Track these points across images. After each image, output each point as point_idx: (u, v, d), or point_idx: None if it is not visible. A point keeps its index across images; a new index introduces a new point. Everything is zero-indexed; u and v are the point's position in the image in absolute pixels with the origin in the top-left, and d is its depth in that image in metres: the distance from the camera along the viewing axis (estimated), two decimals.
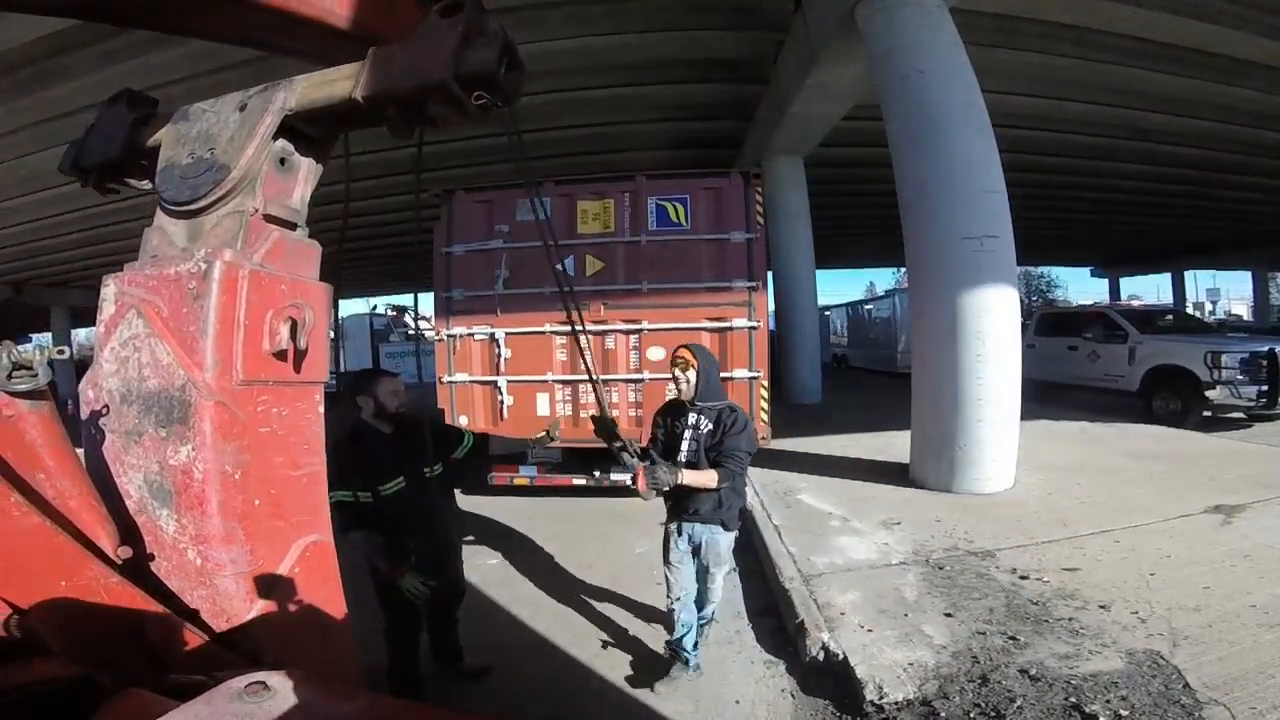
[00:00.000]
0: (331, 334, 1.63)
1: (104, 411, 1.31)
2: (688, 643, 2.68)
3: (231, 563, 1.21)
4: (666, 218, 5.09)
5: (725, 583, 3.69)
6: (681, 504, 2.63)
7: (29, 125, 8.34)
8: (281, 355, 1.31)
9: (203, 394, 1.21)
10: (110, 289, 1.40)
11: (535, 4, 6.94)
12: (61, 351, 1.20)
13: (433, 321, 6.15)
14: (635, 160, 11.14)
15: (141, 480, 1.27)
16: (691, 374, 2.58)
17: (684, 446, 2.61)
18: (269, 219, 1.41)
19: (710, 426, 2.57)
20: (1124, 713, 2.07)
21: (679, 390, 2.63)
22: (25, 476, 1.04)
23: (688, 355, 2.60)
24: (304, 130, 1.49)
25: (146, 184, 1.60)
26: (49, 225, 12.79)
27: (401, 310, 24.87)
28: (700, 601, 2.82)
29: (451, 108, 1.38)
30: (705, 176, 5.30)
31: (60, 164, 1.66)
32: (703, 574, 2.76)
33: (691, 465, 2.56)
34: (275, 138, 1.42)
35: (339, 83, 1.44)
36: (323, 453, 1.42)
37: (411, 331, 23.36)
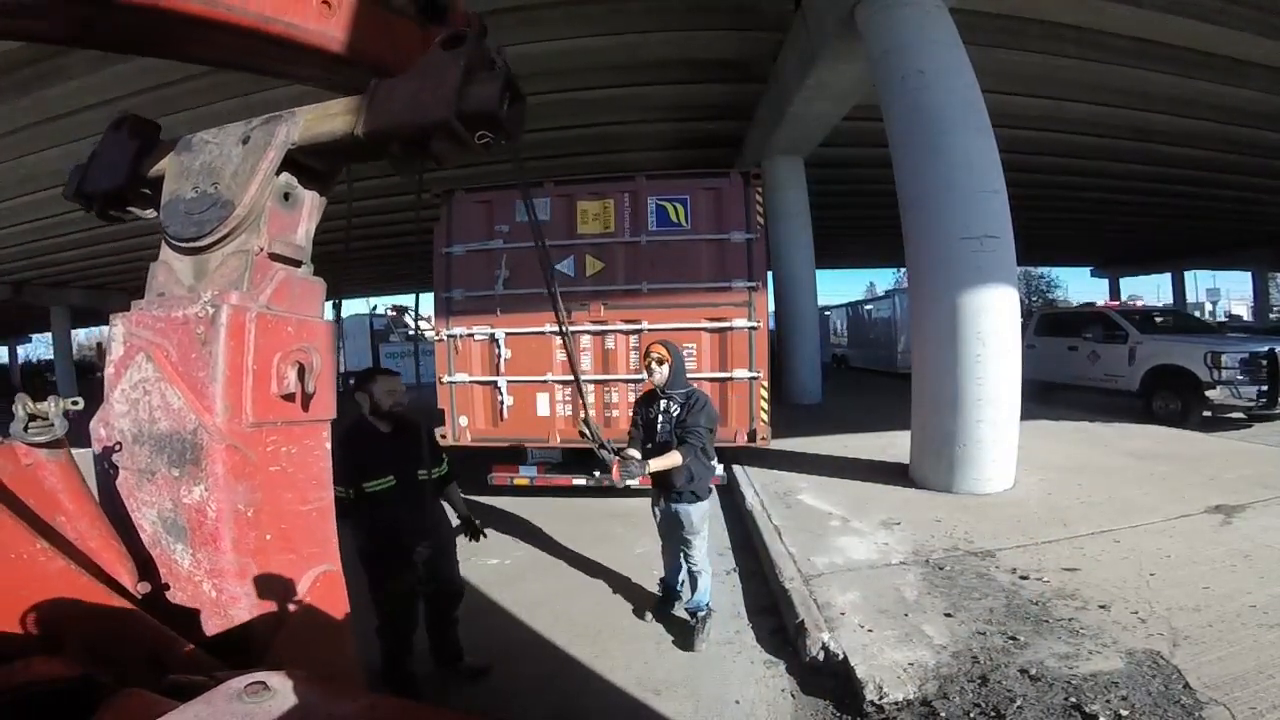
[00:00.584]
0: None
1: (116, 448, 1.34)
2: (674, 582, 3.34)
3: (245, 595, 1.26)
4: (666, 218, 5.09)
5: (726, 582, 3.72)
6: (660, 483, 3.09)
7: (29, 125, 8.34)
8: (290, 396, 1.34)
9: (214, 438, 1.24)
10: (119, 329, 1.41)
11: (535, 4, 6.94)
12: (76, 403, 1.22)
13: (433, 322, 6.15)
14: (635, 160, 11.15)
15: (155, 516, 1.31)
16: (665, 368, 3.03)
17: (659, 428, 3.07)
18: (274, 257, 1.42)
19: (678, 410, 3.03)
20: (1124, 713, 2.07)
21: (652, 380, 3.09)
22: (47, 519, 1.08)
23: (663, 351, 3.05)
24: (307, 164, 1.50)
25: (150, 213, 1.61)
26: (49, 225, 12.80)
27: (402, 310, 24.90)
28: (691, 581, 3.14)
29: (454, 145, 1.38)
30: (705, 177, 5.30)
31: (64, 191, 1.67)
32: (685, 546, 3.11)
33: (665, 444, 3.00)
34: (278, 171, 1.43)
35: (341, 117, 1.44)
36: (330, 486, 1.47)
37: (412, 331, 23.38)
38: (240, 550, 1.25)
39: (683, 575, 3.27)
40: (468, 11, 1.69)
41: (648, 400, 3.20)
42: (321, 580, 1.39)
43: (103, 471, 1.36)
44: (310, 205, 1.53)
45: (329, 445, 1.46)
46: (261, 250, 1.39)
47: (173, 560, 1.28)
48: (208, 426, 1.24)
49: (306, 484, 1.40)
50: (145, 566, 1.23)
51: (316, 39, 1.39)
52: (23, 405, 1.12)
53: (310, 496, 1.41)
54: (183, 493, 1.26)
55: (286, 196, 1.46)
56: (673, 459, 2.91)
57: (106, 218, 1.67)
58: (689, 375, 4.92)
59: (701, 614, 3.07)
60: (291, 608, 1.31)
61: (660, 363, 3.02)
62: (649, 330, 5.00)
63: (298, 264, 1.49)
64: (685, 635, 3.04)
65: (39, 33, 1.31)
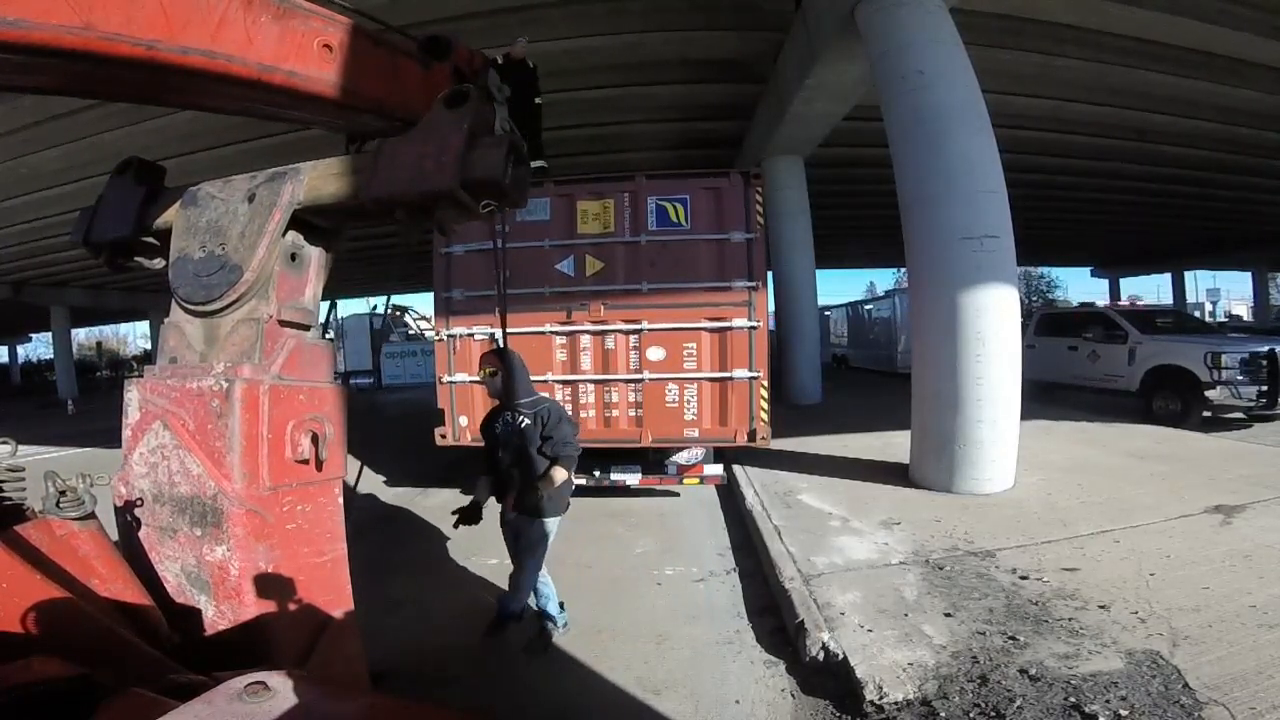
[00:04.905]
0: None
1: (138, 504, 1.42)
2: (551, 609, 3.01)
3: (266, 641, 1.33)
4: (666, 218, 5.09)
5: (726, 583, 3.71)
6: (522, 497, 2.78)
7: (29, 125, 8.34)
8: (304, 460, 1.41)
9: (234, 503, 1.32)
10: (134, 394, 1.47)
11: (536, 3, 6.94)
12: (101, 478, 1.31)
13: (433, 321, 6.15)
14: (635, 160, 11.14)
15: (179, 569, 1.39)
16: (497, 380, 2.81)
17: (510, 443, 2.84)
18: (284, 324, 1.46)
19: (528, 422, 2.80)
20: (1124, 713, 2.07)
21: (490, 393, 2.87)
22: (83, 583, 1.16)
23: (493, 361, 2.83)
24: (313, 221, 1.52)
25: (158, 263, 1.63)
26: (49, 225, 12.80)
27: (402, 310, 24.82)
28: (512, 588, 2.99)
29: (459, 212, 1.41)
30: (705, 176, 5.29)
31: (71, 235, 1.69)
32: (520, 560, 2.94)
33: (517, 464, 2.80)
34: (284, 231, 1.45)
35: (346, 178, 1.45)
36: (343, 539, 1.53)
37: (412, 331, 23.34)
38: (262, 603, 1.33)
39: (544, 589, 3.04)
40: (470, 49, 1.69)
41: (492, 415, 2.96)
42: (335, 626, 1.47)
43: (125, 524, 1.43)
44: (317, 264, 1.56)
45: (341, 500, 1.53)
46: (271, 318, 1.43)
47: (196, 610, 1.37)
48: (227, 493, 1.32)
49: (321, 538, 1.47)
50: (174, 617, 1.31)
51: (317, 85, 1.40)
52: (52, 482, 1.21)
53: (325, 549, 1.48)
54: (205, 551, 1.34)
55: (294, 257, 1.50)
56: (559, 474, 2.76)
57: (114, 267, 1.70)
58: (685, 376, 5.00)
59: (509, 615, 2.98)
60: (307, 654, 1.38)
61: (492, 374, 2.81)
62: (649, 330, 5.00)
63: (307, 328, 1.51)
64: (537, 639, 2.97)
65: (40, 86, 1.32)
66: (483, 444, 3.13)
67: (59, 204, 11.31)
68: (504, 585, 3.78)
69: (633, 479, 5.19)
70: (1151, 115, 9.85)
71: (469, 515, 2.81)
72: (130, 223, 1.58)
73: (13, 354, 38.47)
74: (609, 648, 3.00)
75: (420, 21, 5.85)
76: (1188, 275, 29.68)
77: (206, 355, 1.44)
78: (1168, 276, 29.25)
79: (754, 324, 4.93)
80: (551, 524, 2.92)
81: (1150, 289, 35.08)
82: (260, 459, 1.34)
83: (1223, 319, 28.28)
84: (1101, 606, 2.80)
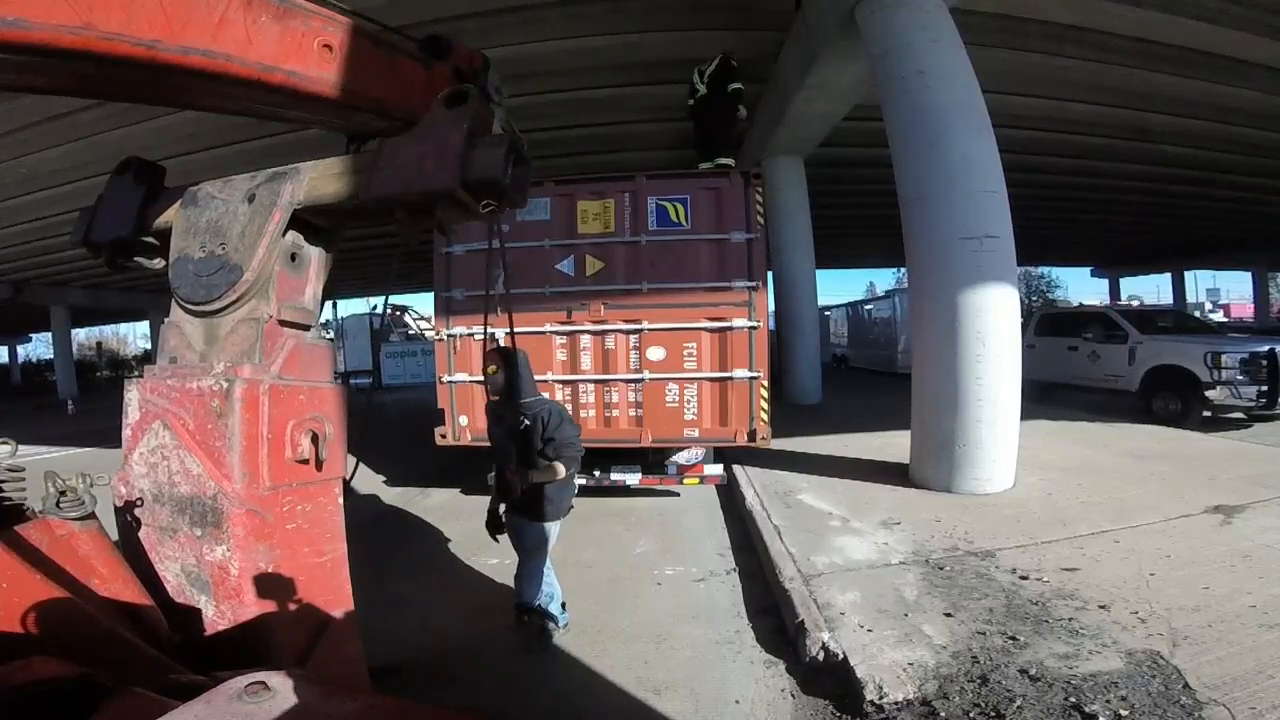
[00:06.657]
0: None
1: (138, 504, 1.42)
2: (554, 608, 3.02)
3: (266, 641, 1.34)
4: (667, 218, 5.09)
5: (726, 582, 3.71)
6: (524, 499, 2.81)
7: (29, 125, 8.34)
8: (304, 459, 1.42)
9: (234, 503, 1.32)
10: (134, 394, 1.47)
11: (535, 4, 6.94)
12: (101, 478, 1.32)
13: (432, 321, 6.15)
14: (635, 160, 11.13)
15: (179, 569, 1.39)
16: (500, 377, 2.84)
17: (504, 443, 2.88)
18: (283, 323, 1.46)
19: (529, 423, 2.82)
20: (1124, 713, 2.07)
21: (490, 391, 2.90)
22: (83, 582, 1.16)
23: (495, 359, 2.85)
24: (313, 221, 1.52)
25: (158, 263, 1.64)
26: (49, 225, 12.80)
27: (401, 310, 24.80)
28: (523, 585, 3.00)
29: (459, 212, 1.41)
30: (705, 176, 5.30)
31: (71, 236, 1.70)
32: (523, 561, 3.00)
33: (525, 463, 2.79)
34: (284, 231, 1.46)
35: (346, 178, 1.46)
36: (343, 539, 1.53)
37: (412, 332, 23.33)
38: (262, 603, 1.33)
39: (547, 588, 3.02)
40: (470, 49, 1.69)
41: (494, 408, 2.98)
42: (336, 625, 1.47)
43: (125, 524, 1.44)
44: (317, 264, 1.57)
45: (341, 500, 1.54)
46: (271, 318, 1.44)
47: (197, 609, 1.37)
48: (227, 493, 1.32)
49: (321, 538, 1.48)
50: (174, 617, 1.31)
51: (317, 85, 1.39)
52: (52, 482, 1.21)
53: (325, 549, 1.49)
54: (205, 551, 1.34)
55: (294, 257, 1.50)
56: (558, 469, 2.76)
57: (114, 266, 1.70)
58: (685, 376, 5.00)
59: (539, 609, 2.97)
60: (307, 654, 1.38)
61: (495, 373, 2.83)
62: (649, 330, 5.00)
63: (307, 328, 1.52)
64: (538, 638, 3.00)
65: (40, 86, 1.32)
66: (486, 443, 3.15)
67: (59, 204, 11.30)
68: (505, 584, 3.80)
69: (633, 479, 5.20)
70: (1151, 115, 9.84)
71: (492, 524, 2.89)
72: (130, 223, 1.58)
73: (13, 354, 38.44)
74: (609, 648, 3.00)
75: (420, 21, 5.85)
76: (1188, 275, 29.69)
77: (206, 355, 1.44)
78: (1168, 276, 29.23)
79: (754, 324, 4.93)
80: (550, 527, 2.94)
81: (1150, 289, 35.18)
82: (260, 459, 1.34)
83: (1223, 319, 28.30)
84: (1101, 606, 2.80)
